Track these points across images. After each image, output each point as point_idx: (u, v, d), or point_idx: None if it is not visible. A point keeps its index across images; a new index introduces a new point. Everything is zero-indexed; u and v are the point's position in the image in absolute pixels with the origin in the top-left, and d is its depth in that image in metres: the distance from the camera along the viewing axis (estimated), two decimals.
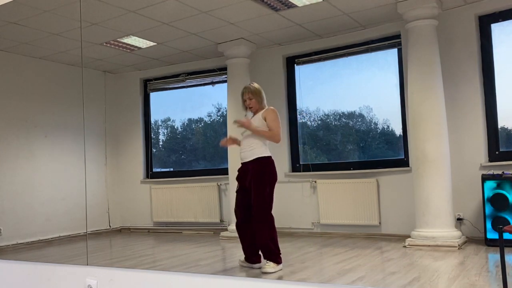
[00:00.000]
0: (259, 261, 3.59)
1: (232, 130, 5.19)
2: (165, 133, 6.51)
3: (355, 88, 5.11)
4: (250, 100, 3.73)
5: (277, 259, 3.45)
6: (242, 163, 3.68)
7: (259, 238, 3.52)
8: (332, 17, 4.73)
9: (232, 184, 5.14)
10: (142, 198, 6.10)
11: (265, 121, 3.64)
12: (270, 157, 3.61)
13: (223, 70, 5.55)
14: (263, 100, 3.75)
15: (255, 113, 3.74)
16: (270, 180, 3.57)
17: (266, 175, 3.57)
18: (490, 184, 4.05)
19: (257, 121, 3.66)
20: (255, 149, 3.60)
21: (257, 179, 3.55)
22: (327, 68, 5.27)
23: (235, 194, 3.74)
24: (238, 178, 3.71)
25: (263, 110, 3.70)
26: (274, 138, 3.64)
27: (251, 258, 3.63)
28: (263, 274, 3.35)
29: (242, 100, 3.81)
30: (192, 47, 5.48)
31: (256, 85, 3.78)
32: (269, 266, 3.40)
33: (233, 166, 5.11)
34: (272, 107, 3.73)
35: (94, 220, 5.60)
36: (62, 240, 5.33)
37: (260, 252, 3.59)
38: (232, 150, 5.18)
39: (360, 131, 5.22)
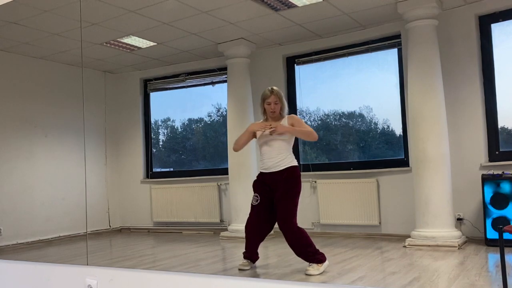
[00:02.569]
0: (257, 259, 3.60)
1: (233, 132, 5.20)
2: (165, 133, 6.51)
3: (355, 88, 5.11)
4: (276, 104, 3.47)
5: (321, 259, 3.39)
6: (266, 173, 3.47)
7: (297, 248, 3.38)
8: (332, 17, 4.73)
9: (232, 184, 5.14)
10: (142, 198, 6.10)
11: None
12: (297, 166, 3.46)
13: (223, 70, 5.55)
14: (285, 107, 3.55)
15: (273, 121, 3.49)
16: (299, 192, 3.43)
17: (298, 186, 3.43)
18: (490, 184, 4.05)
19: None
20: (285, 158, 3.42)
21: (290, 189, 3.40)
22: (327, 68, 5.27)
23: (253, 207, 3.49)
24: (260, 190, 3.47)
25: (285, 119, 3.49)
26: (313, 135, 3.42)
27: (255, 256, 3.60)
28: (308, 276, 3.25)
29: (262, 104, 3.54)
30: (192, 47, 5.48)
31: (278, 89, 3.55)
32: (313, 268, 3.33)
33: (233, 166, 5.12)
34: (292, 114, 3.58)
35: (94, 220, 5.60)
36: (62, 240, 5.33)
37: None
38: (232, 150, 5.18)
39: (360, 131, 5.22)
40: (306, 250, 3.40)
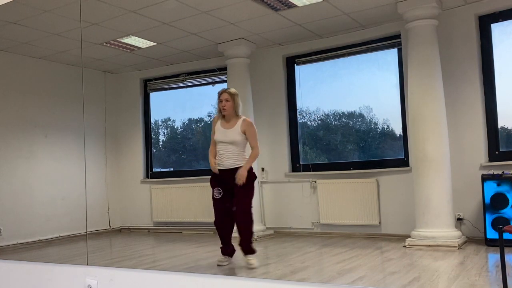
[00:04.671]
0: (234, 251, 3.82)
1: None
2: (165, 133, 6.51)
3: (355, 88, 5.11)
4: (227, 102, 3.74)
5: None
6: (222, 170, 3.74)
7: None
8: (332, 17, 4.73)
9: None
10: (142, 198, 6.10)
11: (244, 134, 3.68)
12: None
13: (223, 70, 5.55)
14: (239, 106, 3.76)
15: (228, 120, 3.75)
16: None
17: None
18: (490, 184, 4.05)
19: (235, 134, 3.69)
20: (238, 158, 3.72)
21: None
22: (327, 68, 5.27)
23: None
24: (219, 184, 3.78)
25: (240, 121, 3.72)
26: (256, 157, 3.74)
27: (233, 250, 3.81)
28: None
29: (218, 102, 3.81)
30: (192, 47, 5.48)
31: (234, 90, 3.82)
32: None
33: None
34: (249, 119, 3.76)
35: (94, 220, 5.60)
36: (62, 240, 5.33)
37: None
38: None
39: (360, 131, 5.22)
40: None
